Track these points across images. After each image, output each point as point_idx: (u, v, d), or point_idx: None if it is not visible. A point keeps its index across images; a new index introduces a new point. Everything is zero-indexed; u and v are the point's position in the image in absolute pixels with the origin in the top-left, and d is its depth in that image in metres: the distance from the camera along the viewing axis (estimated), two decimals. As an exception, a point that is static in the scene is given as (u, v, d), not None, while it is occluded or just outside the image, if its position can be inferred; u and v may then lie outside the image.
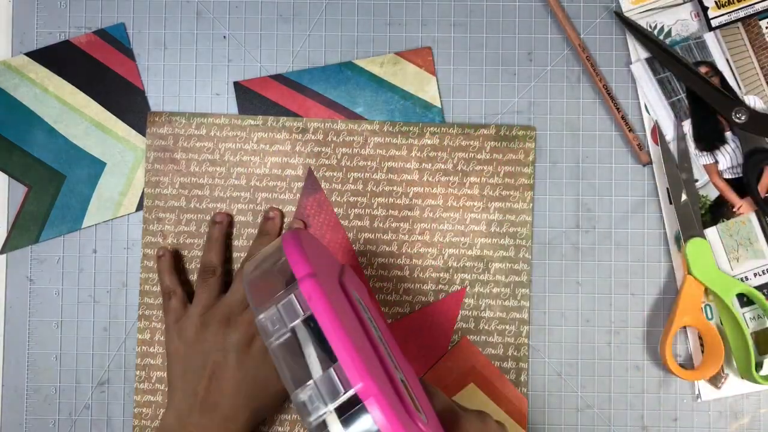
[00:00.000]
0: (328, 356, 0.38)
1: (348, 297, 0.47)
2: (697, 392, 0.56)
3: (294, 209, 0.57)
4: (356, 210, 0.57)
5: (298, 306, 0.39)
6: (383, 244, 0.56)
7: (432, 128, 0.56)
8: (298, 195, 0.57)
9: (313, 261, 0.41)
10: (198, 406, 0.50)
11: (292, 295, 0.39)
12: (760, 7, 0.56)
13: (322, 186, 0.57)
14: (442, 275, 0.56)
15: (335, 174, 0.57)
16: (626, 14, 0.56)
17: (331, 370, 0.37)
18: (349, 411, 0.37)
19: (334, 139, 0.57)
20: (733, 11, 0.56)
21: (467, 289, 0.56)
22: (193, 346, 0.52)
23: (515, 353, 0.56)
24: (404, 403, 0.42)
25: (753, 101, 0.56)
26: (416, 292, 0.57)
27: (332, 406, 0.37)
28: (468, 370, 0.56)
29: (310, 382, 0.37)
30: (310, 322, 0.39)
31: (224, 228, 0.56)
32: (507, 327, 0.56)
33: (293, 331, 0.39)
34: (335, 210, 0.56)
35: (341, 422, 0.37)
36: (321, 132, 0.57)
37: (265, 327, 0.40)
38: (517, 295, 0.56)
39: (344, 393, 0.37)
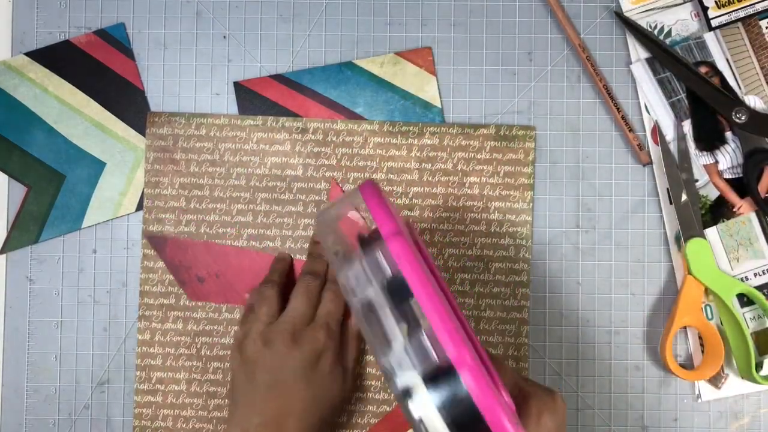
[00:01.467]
0: (406, 317, 0.36)
1: (425, 257, 0.44)
2: (697, 392, 0.56)
3: (293, 209, 0.56)
4: (356, 210, 0.57)
5: (385, 264, 0.37)
6: (383, 244, 0.56)
7: (432, 128, 0.56)
8: (298, 195, 0.57)
9: (396, 216, 0.38)
10: (263, 425, 0.48)
11: (379, 252, 0.37)
12: (760, 7, 0.56)
13: (322, 186, 0.57)
14: (442, 275, 0.56)
15: (335, 174, 0.57)
16: (626, 14, 0.56)
17: (424, 336, 0.35)
18: (436, 377, 0.34)
19: (334, 139, 0.57)
20: (733, 11, 0.56)
21: (467, 289, 0.56)
22: (258, 362, 0.49)
23: (515, 353, 0.56)
24: (491, 374, 0.39)
25: (753, 101, 0.56)
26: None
27: (423, 373, 0.35)
28: (468, 370, 0.56)
29: (399, 345, 0.35)
30: (391, 282, 0.37)
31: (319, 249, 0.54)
32: (507, 327, 0.56)
33: (373, 289, 0.37)
34: (335, 210, 0.56)
35: (428, 388, 0.35)
36: (321, 132, 0.57)
37: (348, 283, 0.38)
38: (517, 295, 0.56)
39: (437, 360, 0.34)
